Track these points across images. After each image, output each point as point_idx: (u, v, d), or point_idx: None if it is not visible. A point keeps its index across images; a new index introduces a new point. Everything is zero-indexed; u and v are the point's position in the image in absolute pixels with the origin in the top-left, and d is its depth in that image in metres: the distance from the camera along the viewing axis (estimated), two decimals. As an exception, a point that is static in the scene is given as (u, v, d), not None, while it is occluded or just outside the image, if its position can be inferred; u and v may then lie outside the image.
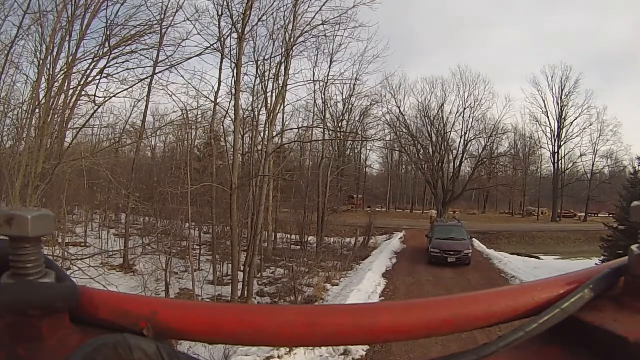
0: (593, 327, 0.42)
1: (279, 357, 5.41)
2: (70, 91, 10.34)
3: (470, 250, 14.10)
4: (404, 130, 34.27)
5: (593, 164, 39.13)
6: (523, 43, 61.95)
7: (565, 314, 0.41)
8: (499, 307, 0.42)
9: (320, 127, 21.55)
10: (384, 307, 0.42)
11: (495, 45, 63.38)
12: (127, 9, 12.41)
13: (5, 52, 9.35)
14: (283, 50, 13.64)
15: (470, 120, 34.43)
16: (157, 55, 12.64)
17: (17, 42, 9.46)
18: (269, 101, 14.27)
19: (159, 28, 12.38)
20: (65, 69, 9.84)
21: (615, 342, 0.39)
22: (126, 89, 11.29)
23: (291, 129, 21.69)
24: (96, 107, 10.61)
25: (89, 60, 10.44)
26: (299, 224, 21.52)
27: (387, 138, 35.43)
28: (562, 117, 38.89)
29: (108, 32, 10.69)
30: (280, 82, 13.90)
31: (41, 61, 9.66)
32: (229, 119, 13.36)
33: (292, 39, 13.58)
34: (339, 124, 29.60)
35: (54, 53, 9.82)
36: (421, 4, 62.51)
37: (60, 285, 0.38)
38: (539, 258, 20.49)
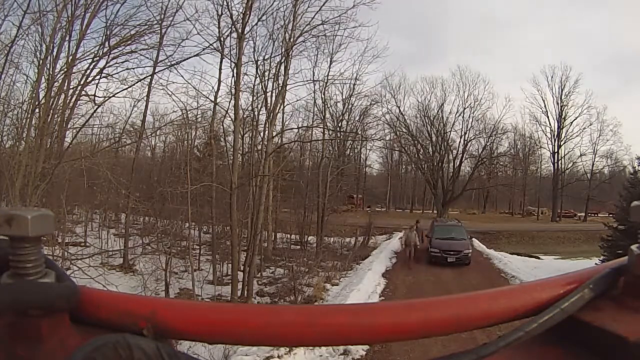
0: (593, 327, 0.41)
1: (279, 357, 5.41)
2: (70, 91, 10.38)
3: (470, 250, 14.10)
4: (404, 130, 34.39)
5: (593, 164, 39.11)
6: (524, 43, 61.96)
7: (565, 314, 0.41)
8: (499, 307, 0.42)
9: (320, 127, 21.56)
10: (384, 307, 0.42)
11: (495, 45, 63.43)
12: (127, 9, 12.44)
13: (5, 52, 9.37)
14: (283, 50, 13.63)
15: (470, 120, 34.55)
16: (157, 55, 12.72)
17: (17, 42, 9.51)
18: (269, 101, 14.25)
19: (159, 28, 12.45)
20: (65, 69, 9.87)
21: (615, 342, 0.39)
22: (126, 89, 11.38)
23: (291, 129, 21.64)
24: (96, 107, 10.67)
25: (89, 60, 10.52)
26: (299, 224, 21.51)
27: (387, 138, 35.50)
28: (562, 117, 38.86)
29: (108, 32, 10.76)
30: (280, 82, 13.88)
31: (41, 61, 9.69)
32: (229, 119, 13.37)
33: (292, 39, 13.57)
34: (339, 124, 29.64)
35: (54, 53, 9.87)
36: (421, 4, 62.47)
37: (60, 285, 0.38)
38: (539, 258, 20.49)
